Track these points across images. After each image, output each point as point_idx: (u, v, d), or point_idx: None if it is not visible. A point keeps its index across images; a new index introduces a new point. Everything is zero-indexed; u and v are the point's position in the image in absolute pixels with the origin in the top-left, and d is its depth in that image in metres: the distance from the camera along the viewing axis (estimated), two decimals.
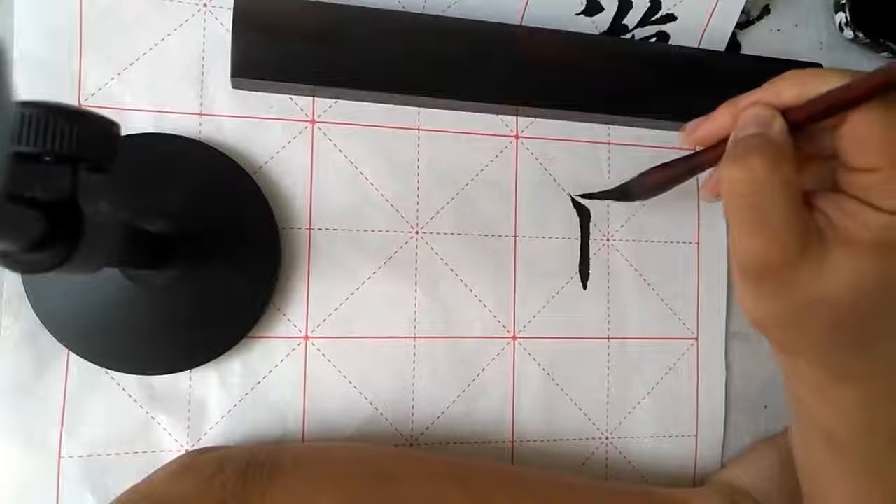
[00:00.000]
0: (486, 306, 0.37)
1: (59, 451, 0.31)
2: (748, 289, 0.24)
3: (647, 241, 0.39)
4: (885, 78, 0.21)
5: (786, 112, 0.24)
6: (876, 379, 0.25)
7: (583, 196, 0.39)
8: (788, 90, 0.24)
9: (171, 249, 0.30)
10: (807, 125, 0.24)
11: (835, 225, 0.23)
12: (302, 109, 0.35)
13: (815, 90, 0.23)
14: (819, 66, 0.41)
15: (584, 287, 0.38)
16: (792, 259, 0.23)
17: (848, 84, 0.22)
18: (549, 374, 0.37)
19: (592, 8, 0.38)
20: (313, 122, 0.35)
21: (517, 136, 0.38)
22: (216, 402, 0.33)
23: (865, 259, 0.22)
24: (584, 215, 0.39)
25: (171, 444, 0.32)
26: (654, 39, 0.40)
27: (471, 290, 0.37)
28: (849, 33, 0.42)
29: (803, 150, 0.24)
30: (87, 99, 0.33)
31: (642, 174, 0.33)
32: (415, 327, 0.36)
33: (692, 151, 0.30)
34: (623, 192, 0.35)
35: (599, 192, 0.38)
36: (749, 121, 0.24)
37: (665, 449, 0.39)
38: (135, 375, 0.32)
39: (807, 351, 0.25)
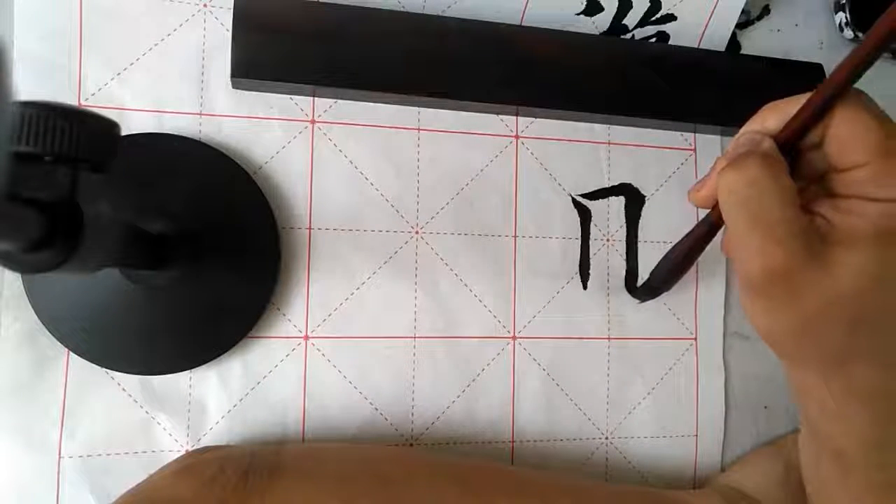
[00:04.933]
0: (486, 306, 0.37)
1: (60, 451, 0.31)
2: (757, 301, 0.24)
3: (646, 242, 0.39)
4: (840, 78, 0.23)
5: (772, 136, 0.25)
6: (889, 395, 0.24)
7: (637, 296, 0.38)
8: (771, 119, 0.25)
9: (171, 249, 0.30)
10: (793, 142, 0.24)
11: (834, 224, 0.23)
12: (302, 109, 0.35)
13: (794, 112, 0.24)
14: (819, 66, 0.41)
15: (584, 287, 0.38)
16: (796, 262, 0.23)
17: (812, 95, 0.23)
18: (549, 374, 0.37)
19: (592, 8, 0.38)
20: (313, 122, 0.35)
21: (517, 136, 0.38)
22: (216, 402, 0.33)
23: (869, 250, 0.22)
24: (584, 215, 0.39)
25: (171, 444, 0.32)
26: (654, 39, 0.40)
27: (471, 290, 0.37)
28: (849, 33, 0.42)
29: (798, 180, 0.25)
30: (87, 99, 0.33)
31: (661, 261, 0.34)
32: (415, 327, 0.36)
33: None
34: (650, 287, 0.36)
35: (633, 291, 0.39)
36: (740, 144, 0.25)
37: (665, 449, 0.39)
38: (135, 375, 0.32)
39: (818, 363, 0.25)
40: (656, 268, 0.35)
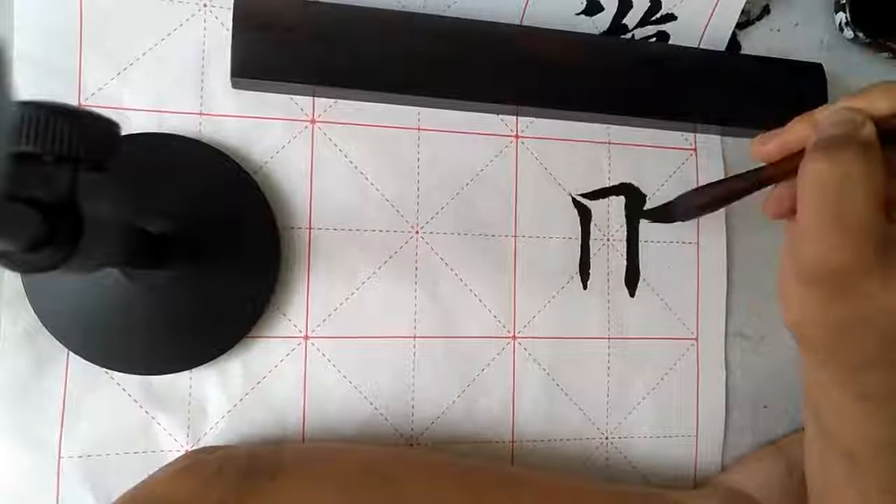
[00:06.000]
0: (486, 306, 0.37)
1: (59, 452, 0.31)
2: (804, 291, 0.24)
3: (647, 242, 0.39)
4: None
5: (876, 121, 0.23)
6: None
7: (649, 216, 0.37)
8: (881, 101, 0.23)
9: (170, 249, 0.30)
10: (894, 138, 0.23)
11: None
12: (302, 109, 0.35)
13: None
14: (819, 66, 0.41)
15: (584, 287, 0.38)
16: (865, 266, 0.22)
17: None
18: (549, 374, 0.37)
19: (592, 8, 0.38)
20: (313, 122, 0.35)
21: (517, 136, 0.38)
22: (216, 402, 0.33)
23: None
24: (584, 215, 0.39)
25: (171, 444, 0.32)
26: (654, 39, 0.40)
27: (471, 290, 0.37)
28: (849, 33, 0.42)
29: (889, 165, 0.23)
30: (87, 99, 0.33)
31: (689, 193, 0.31)
32: (415, 327, 0.36)
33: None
34: (667, 213, 0.34)
35: (644, 212, 0.37)
36: (837, 120, 0.23)
37: (665, 449, 0.39)
38: (135, 375, 0.32)
39: (841, 365, 0.25)
40: (684, 197, 0.32)
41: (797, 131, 0.26)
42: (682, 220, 0.34)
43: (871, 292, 0.22)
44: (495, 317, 0.37)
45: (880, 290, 0.22)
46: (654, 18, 0.39)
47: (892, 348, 0.23)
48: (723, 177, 0.40)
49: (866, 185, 0.22)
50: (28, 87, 0.32)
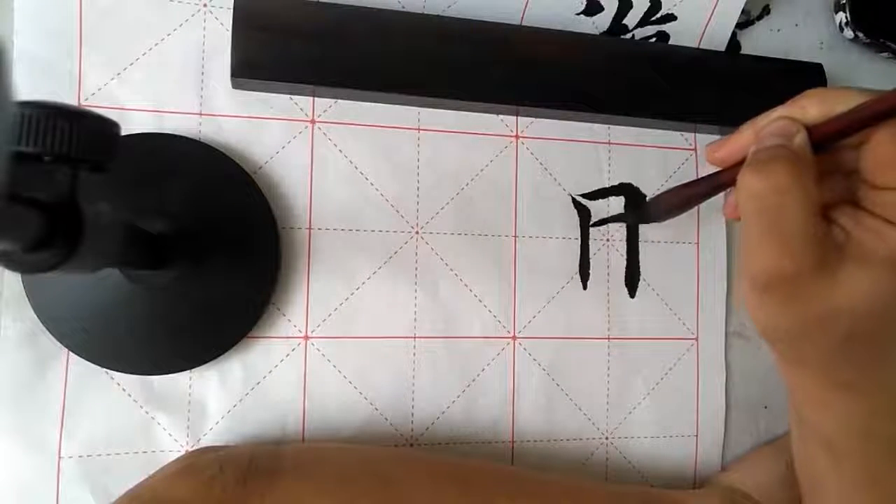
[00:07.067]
0: (486, 306, 0.37)
1: (59, 452, 0.31)
2: (759, 299, 0.24)
3: (647, 242, 0.39)
4: None
5: (809, 128, 0.24)
6: (877, 391, 0.25)
7: (597, 224, 0.39)
8: (813, 107, 0.24)
9: (170, 249, 0.30)
10: (829, 143, 0.23)
11: (853, 240, 0.23)
12: (302, 109, 0.35)
13: (840, 108, 0.23)
14: (819, 66, 0.41)
15: (584, 287, 0.38)
16: (807, 271, 0.22)
17: (868, 102, 0.22)
18: (549, 374, 0.37)
19: (592, 8, 0.38)
20: (313, 122, 0.35)
21: (517, 136, 0.38)
22: (216, 402, 0.33)
23: (882, 275, 0.22)
24: (584, 215, 0.39)
25: (171, 444, 0.32)
26: (654, 39, 0.40)
27: (471, 290, 0.37)
28: (849, 33, 0.42)
29: (824, 165, 0.24)
30: (86, 99, 0.33)
31: (660, 196, 0.33)
32: (415, 327, 0.36)
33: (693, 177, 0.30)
34: (639, 215, 0.36)
35: (613, 217, 0.39)
36: (772, 131, 0.24)
37: (665, 449, 0.39)
38: (135, 375, 0.32)
39: (812, 363, 0.25)
40: (656, 202, 0.34)
41: (744, 139, 0.26)
42: (657, 221, 0.35)
43: (819, 295, 0.23)
44: (495, 317, 0.37)
45: (829, 293, 0.22)
46: (654, 18, 0.39)
47: (857, 344, 0.23)
48: None
49: (799, 194, 0.22)
50: (28, 87, 0.32)
